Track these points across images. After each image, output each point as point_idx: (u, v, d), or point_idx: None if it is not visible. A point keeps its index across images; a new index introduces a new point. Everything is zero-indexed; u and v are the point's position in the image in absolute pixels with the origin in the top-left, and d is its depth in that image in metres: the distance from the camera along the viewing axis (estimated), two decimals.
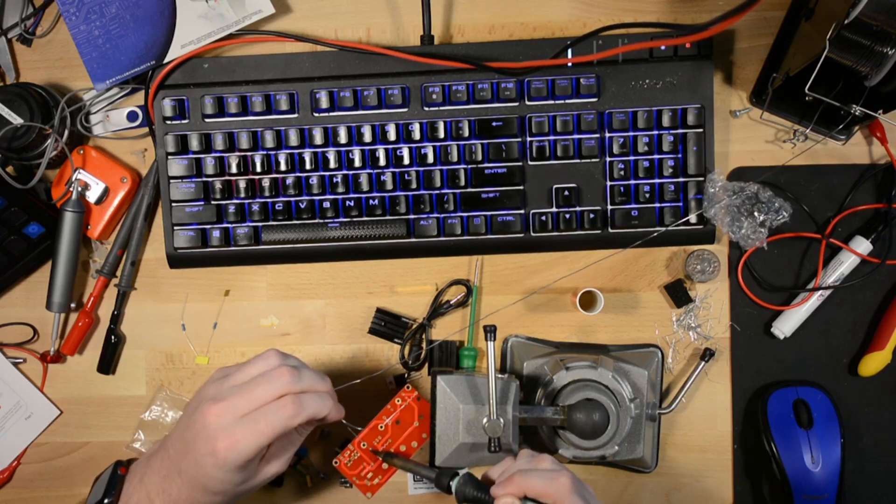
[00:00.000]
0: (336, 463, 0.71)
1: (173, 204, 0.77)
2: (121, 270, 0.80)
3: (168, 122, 0.76)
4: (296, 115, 0.77)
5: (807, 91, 0.67)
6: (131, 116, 0.80)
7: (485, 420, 0.68)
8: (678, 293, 0.78)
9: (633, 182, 0.76)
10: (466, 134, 0.76)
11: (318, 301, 0.80)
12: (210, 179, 0.77)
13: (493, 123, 0.75)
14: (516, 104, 0.76)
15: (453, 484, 0.63)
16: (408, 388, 0.73)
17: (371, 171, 0.76)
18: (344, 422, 0.66)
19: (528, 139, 0.76)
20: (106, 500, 0.63)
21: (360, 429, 0.71)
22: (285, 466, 0.65)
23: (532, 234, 0.77)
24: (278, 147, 0.76)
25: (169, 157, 0.77)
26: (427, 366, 0.79)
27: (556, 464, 0.61)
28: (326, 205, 0.76)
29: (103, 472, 0.66)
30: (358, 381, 0.74)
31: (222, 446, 0.58)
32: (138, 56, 0.77)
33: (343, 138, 0.76)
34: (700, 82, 0.75)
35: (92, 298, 0.80)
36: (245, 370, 0.63)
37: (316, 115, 0.77)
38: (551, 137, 0.76)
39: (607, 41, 0.75)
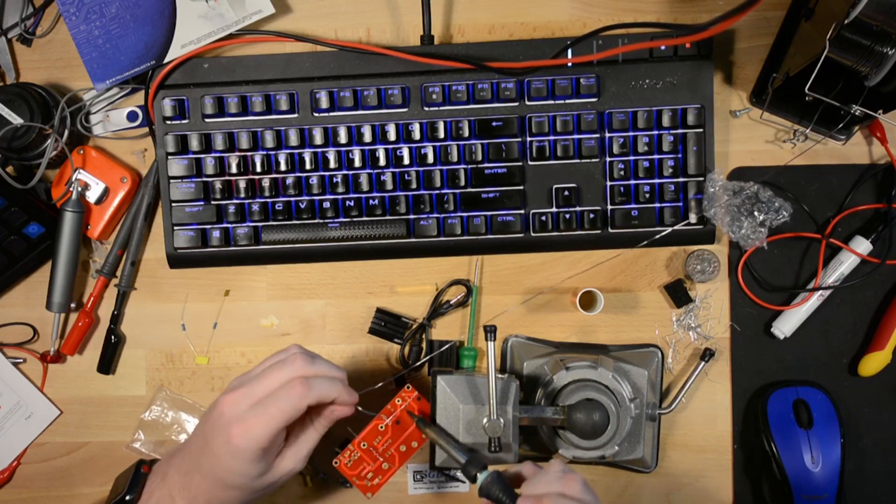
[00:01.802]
0: (336, 463, 0.71)
1: (173, 204, 0.77)
2: (121, 270, 0.80)
3: (168, 122, 0.76)
4: (296, 115, 0.77)
5: (807, 91, 0.67)
6: (131, 116, 0.80)
7: (485, 420, 0.68)
8: (678, 293, 0.78)
9: (633, 182, 0.76)
10: (466, 134, 0.76)
11: (318, 301, 0.80)
12: (210, 179, 0.77)
13: (493, 123, 0.75)
14: (516, 104, 0.76)
15: (480, 476, 0.62)
16: (408, 388, 0.72)
17: (371, 171, 0.76)
18: (359, 408, 0.67)
19: (528, 139, 0.76)
20: (128, 498, 0.63)
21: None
22: (302, 464, 0.65)
23: (532, 234, 0.77)
24: (278, 147, 0.76)
25: (169, 157, 0.77)
26: (427, 366, 0.79)
27: (586, 490, 0.60)
28: (326, 205, 0.76)
29: (126, 470, 0.67)
30: (378, 385, 0.75)
31: (236, 434, 0.59)
32: (138, 56, 0.77)
33: (343, 138, 0.76)
34: (700, 82, 0.75)
35: (92, 298, 0.80)
36: (264, 362, 0.64)
37: (316, 115, 0.77)
38: (551, 137, 0.76)
39: (607, 41, 0.75)
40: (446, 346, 0.79)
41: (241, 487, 0.61)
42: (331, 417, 0.65)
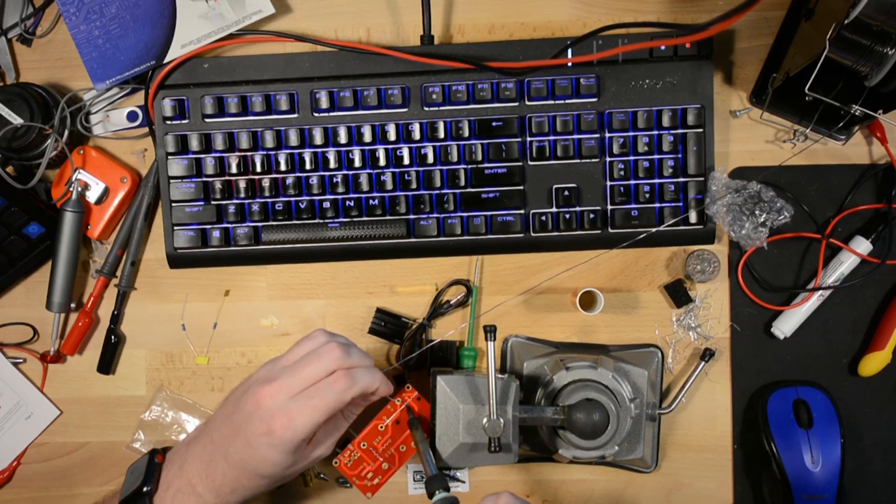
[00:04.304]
0: (336, 463, 0.71)
1: (173, 204, 0.77)
2: (121, 270, 0.80)
3: (168, 122, 0.76)
4: (296, 115, 0.77)
5: (807, 91, 0.67)
6: (131, 116, 0.80)
7: (485, 420, 0.68)
8: (678, 293, 0.78)
9: (633, 182, 0.76)
10: (466, 134, 0.76)
11: (318, 301, 0.80)
12: (210, 179, 0.77)
13: (493, 123, 0.75)
14: (516, 104, 0.76)
15: (437, 496, 0.62)
16: (408, 388, 0.73)
17: (371, 171, 0.76)
18: (388, 398, 0.67)
19: (528, 139, 0.76)
20: (145, 489, 0.62)
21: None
22: (330, 451, 0.65)
23: (532, 234, 0.77)
24: (278, 147, 0.76)
25: (169, 157, 0.77)
26: (427, 366, 0.79)
27: None
28: (326, 205, 0.76)
29: (137, 460, 0.66)
30: (398, 364, 0.76)
31: (279, 425, 0.59)
32: (138, 56, 0.77)
33: (343, 138, 0.76)
34: (700, 82, 0.75)
35: (92, 298, 0.80)
36: (294, 351, 0.64)
37: (316, 115, 0.77)
38: (551, 137, 0.76)
39: (607, 41, 0.75)
40: (446, 346, 0.79)
41: (271, 476, 0.61)
42: (362, 405, 0.66)
